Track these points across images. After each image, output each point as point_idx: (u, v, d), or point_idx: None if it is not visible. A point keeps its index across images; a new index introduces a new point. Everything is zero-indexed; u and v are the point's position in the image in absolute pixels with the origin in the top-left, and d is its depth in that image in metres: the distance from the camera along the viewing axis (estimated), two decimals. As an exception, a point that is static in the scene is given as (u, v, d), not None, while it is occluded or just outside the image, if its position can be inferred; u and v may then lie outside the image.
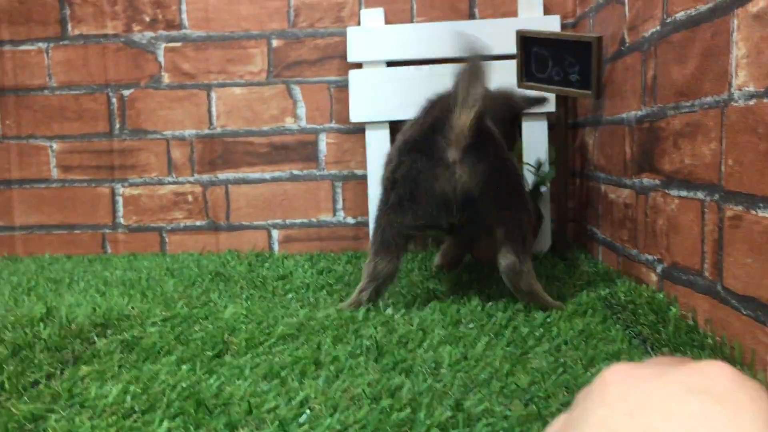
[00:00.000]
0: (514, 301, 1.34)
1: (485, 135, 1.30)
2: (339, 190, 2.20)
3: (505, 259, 1.31)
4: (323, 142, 2.19)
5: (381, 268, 1.33)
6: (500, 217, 1.30)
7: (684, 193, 1.17)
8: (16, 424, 0.83)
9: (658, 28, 1.29)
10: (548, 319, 1.20)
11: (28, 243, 2.27)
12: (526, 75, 1.85)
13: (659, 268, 1.29)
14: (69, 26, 2.21)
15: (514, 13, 2.10)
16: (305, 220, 2.20)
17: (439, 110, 1.33)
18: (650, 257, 1.34)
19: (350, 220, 2.20)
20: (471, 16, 2.13)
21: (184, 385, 0.94)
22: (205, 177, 2.22)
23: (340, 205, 2.20)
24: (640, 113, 1.41)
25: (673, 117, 1.22)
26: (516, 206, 1.32)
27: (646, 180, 1.37)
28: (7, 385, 0.96)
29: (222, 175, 2.21)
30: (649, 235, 1.35)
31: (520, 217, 1.32)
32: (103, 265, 1.95)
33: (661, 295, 1.23)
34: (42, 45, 2.22)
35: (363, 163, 2.17)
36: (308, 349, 1.09)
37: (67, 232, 2.26)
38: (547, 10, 2.09)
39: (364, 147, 2.14)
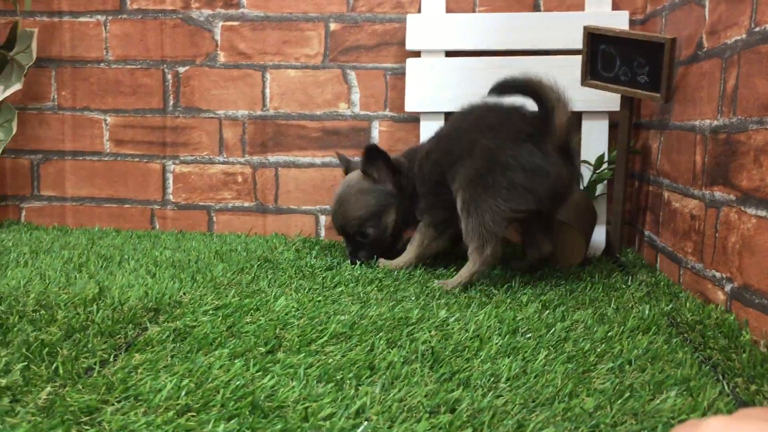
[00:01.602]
0: (571, 310, 1.30)
1: (571, 137, 1.54)
2: (389, 179, 2.16)
3: (547, 247, 1.65)
4: (376, 130, 2.16)
5: (498, 252, 1.52)
6: (557, 209, 1.61)
7: (763, 213, 1.12)
8: (71, 416, 0.82)
9: (744, 36, 1.23)
10: (609, 334, 1.16)
11: (79, 214, 2.28)
12: (591, 73, 1.79)
13: (728, 287, 1.24)
14: (128, 0, 2.20)
15: (580, 7, 2.03)
16: (353, 208, 2.17)
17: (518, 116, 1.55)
18: (718, 274, 1.29)
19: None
20: (536, 7, 2.07)
21: (238, 383, 0.92)
22: (256, 158, 2.21)
23: (389, 194, 2.17)
24: (715, 123, 1.34)
25: (755, 131, 1.15)
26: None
27: (719, 193, 1.31)
28: (61, 370, 0.96)
29: (272, 158, 2.20)
30: (718, 251, 1.29)
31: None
32: (152, 243, 1.95)
33: (732, 318, 1.18)
34: (100, 17, 2.22)
35: (415, 153, 2.13)
36: (362, 351, 1.06)
37: (117, 205, 2.27)
38: (616, 5, 2.02)
39: (417, 137, 2.10)
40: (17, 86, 2.08)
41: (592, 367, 1.02)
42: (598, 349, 1.08)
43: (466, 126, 1.60)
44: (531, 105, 1.53)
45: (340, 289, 1.48)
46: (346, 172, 1.88)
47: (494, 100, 1.57)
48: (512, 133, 1.50)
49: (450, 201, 1.58)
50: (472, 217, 1.50)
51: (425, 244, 1.71)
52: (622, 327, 1.19)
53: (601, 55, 1.76)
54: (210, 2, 2.17)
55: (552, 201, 1.53)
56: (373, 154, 1.70)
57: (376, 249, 1.77)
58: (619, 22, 1.94)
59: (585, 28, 1.76)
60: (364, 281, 1.55)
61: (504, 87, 1.53)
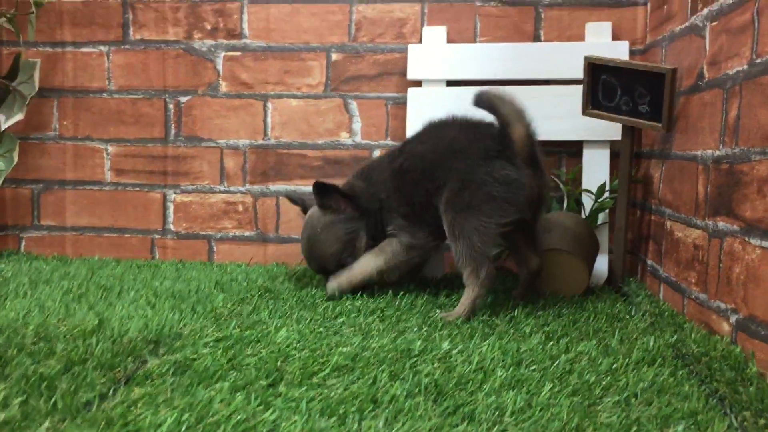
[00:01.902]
0: (575, 341, 1.28)
1: (536, 147, 1.58)
2: (390, 208, 2.16)
3: (535, 260, 1.66)
4: (377, 159, 2.16)
5: (493, 273, 1.55)
6: (536, 220, 1.63)
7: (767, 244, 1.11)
8: (70, 452, 0.81)
9: (745, 67, 1.23)
10: (614, 366, 1.15)
11: (78, 244, 2.28)
12: (592, 102, 1.80)
13: (733, 319, 1.23)
14: (131, 30, 2.22)
15: (581, 37, 2.05)
16: (355, 237, 2.17)
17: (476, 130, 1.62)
18: (723, 305, 1.28)
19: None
20: (536, 38, 2.08)
21: (239, 417, 0.91)
22: (257, 188, 2.21)
23: (390, 223, 2.16)
24: (717, 153, 1.34)
25: (758, 162, 1.15)
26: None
27: (722, 224, 1.30)
28: (60, 405, 0.95)
29: (273, 187, 2.20)
30: (722, 281, 1.29)
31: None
32: (152, 273, 1.94)
33: (738, 349, 1.17)
34: (103, 48, 2.23)
35: (416, 183, 2.13)
36: (364, 384, 1.05)
37: (117, 235, 2.27)
38: (616, 36, 2.03)
39: (418, 166, 2.10)
40: (19, 116, 2.09)
41: (598, 401, 1.01)
42: (603, 382, 1.07)
43: (442, 150, 1.63)
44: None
45: (342, 319, 1.46)
46: (304, 210, 1.87)
47: (462, 116, 1.67)
48: (482, 152, 1.56)
49: (435, 222, 1.63)
50: (460, 241, 1.53)
51: (390, 260, 1.71)
52: (627, 359, 1.18)
53: (602, 84, 1.76)
54: (212, 33, 2.19)
55: (530, 210, 1.57)
56: (323, 189, 1.71)
57: None
58: (619, 52, 1.96)
59: (586, 58, 1.77)
60: (366, 311, 1.54)
61: (475, 101, 1.59)
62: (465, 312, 1.50)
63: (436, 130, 1.71)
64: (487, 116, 1.60)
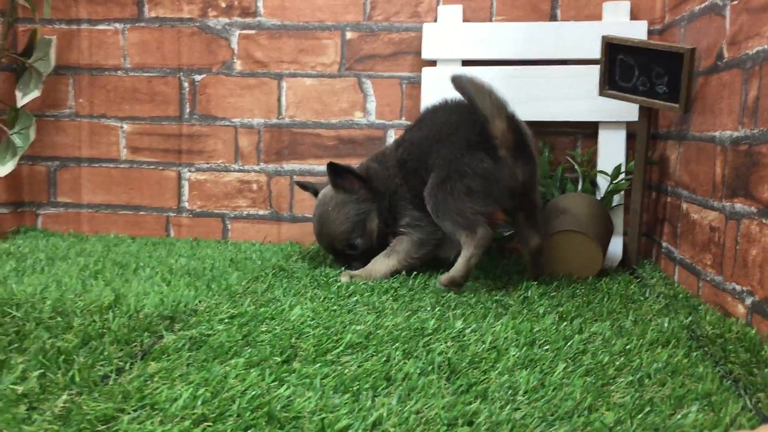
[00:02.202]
0: (589, 322, 1.28)
1: (523, 135, 1.58)
2: (404, 188, 2.16)
3: (535, 239, 1.66)
4: (391, 138, 2.15)
5: (490, 233, 1.57)
6: (533, 202, 1.65)
7: (785, 225, 1.10)
8: (88, 424, 0.82)
9: (766, 47, 1.21)
10: (628, 347, 1.15)
11: (94, 221, 2.29)
12: (609, 83, 1.78)
13: (749, 301, 1.22)
14: (146, 8, 2.21)
15: (598, 17, 2.02)
16: (368, 217, 2.17)
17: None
18: (738, 287, 1.27)
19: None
20: (553, 17, 2.06)
21: (254, 392, 0.92)
22: (271, 166, 2.21)
23: (404, 203, 2.16)
24: (736, 134, 1.33)
25: (778, 143, 1.14)
26: (537, 194, 1.68)
27: (739, 206, 1.29)
28: (77, 378, 0.96)
29: (288, 166, 2.20)
30: (738, 263, 1.28)
31: (540, 203, 1.69)
32: (167, 250, 1.95)
33: (753, 331, 1.16)
34: (118, 25, 2.23)
35: (431, 163, 2.12)
36: (378, 362, 1.06)
37: (133, 212, 2.28)
38: (634, 15, 2.01)
39: (433, 146, 2.09)
40: (35, 93, 2.10)
41: (611, 381, 1.01)
42: (617, 362, 1.07)
43: (434, 136, 1.65)
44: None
45: (356, 298, 1.47)
46: (315, 194, 1.89)
47: (453, 100, 1.68)
48: (465, 142, 1.59)
49: None
50: (447, 218, 1.57)
51: (403, 260, 1.71)
52: (641, 340, 1.18)
53: (619, 65, 1.75)
54: (227, 11, 2.18)
55: (512, 199, 1.60)
56: (338, 169, 1.71)
57: (367, 258, 1.75)
58: (637, 31, 1.93)
59: (603, 38, 1.75)
60: (380, 290, 1.55)
61: (454, 85, 1.59)
62: (460, 271, 1.54)
63: (431, 115, 1.72)
64: None
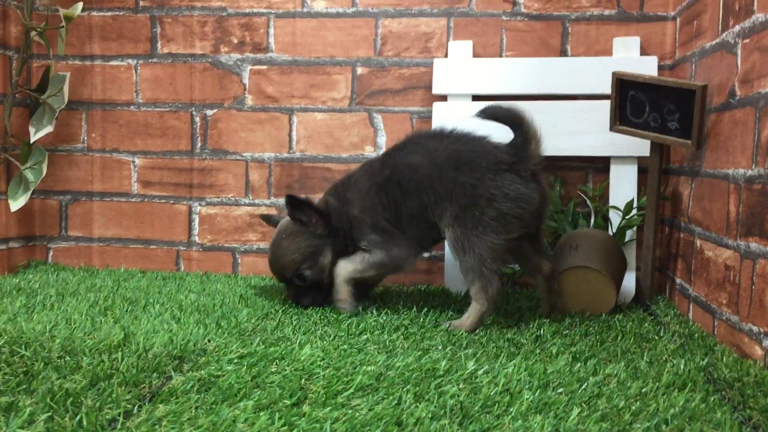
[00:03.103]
0: (603, 363, 1.26)
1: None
2: (415, 223, 2.15)
3: (547, 265, 1.69)
4: (402, 173, 2.15)
5: (501, 288, 1.61)
6: (542, 228, 1.68)
7: (803, 267, 1.08)
8: (95, 472, 0.81)
9: (780, 85, 1.21)
10: (643, 390, 1.13)
11: (105, 255, 2.29)
12: (620, 118, 1.78)
13: (766, 342, 1.20)
14: (159, 44, 2.24)
15: (608, 52, 2.03)
16: (378, 251, 2.16)
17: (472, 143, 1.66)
18: (755, 328, 1.25)
19: (425, 253, 2.15)
20: (563, 53, 2.07)
21: (263, 438, 0.90)
22: (282, 200, 2.21)
23: (414, 237, 2.15)
24: (750, 173, 1.32)
25: (793, 183, 1.13)
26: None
27: (755, 245, 1.28)
28: (85, 422, 0.95)
29: (298, 200, 2.20)
30: (755, 304, 1.26)
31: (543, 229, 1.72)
32: (177, 286, 1.95)
33: (771, 375, 1.14)
34: (131, 61, 2.26)
35: (441, 197, 2.12)
36: (389, 405, 1.04)
37: (143, 246, 2.28)
38: (644, 51, 2.01)
39: (443, 180, 2.09)
40: (48, 129, 2.11)
41: (628, 427, 0.99)
42: (633, 407, 1.05)
43: (443, 162, 1.64)
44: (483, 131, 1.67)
45: (366, 336, 1.46)
46: (274, 226, 1.89)
47: (454, 129, 1.70)
48: (492, 165, 1.59)
49: (422, 235, 1.70)
50: (468, 255, 1.56)
51: (362, 268, 1.72)
52: (657, 383, 1.15)
53: (630, 100, 1.74)
54: (239, 47, 2.20)
55: (537, 221, 1.64)
56: (296, 201, 1.71)
57: (318, 293, 1.77)
58: (647, 67, 1.93)
59: (614, 74, 1.75)
60: (390, 328, 1.53)
61: (489, 113, 1.64)
62: (471, 325, 1.55)
63: (426, 141, 1.71)
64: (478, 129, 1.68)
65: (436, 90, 2.06)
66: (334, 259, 1.74)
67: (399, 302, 1.82)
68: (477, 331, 1.55)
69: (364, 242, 1.72)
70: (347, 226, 1.74)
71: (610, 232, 1.92)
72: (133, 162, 2.27)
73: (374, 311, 1.70)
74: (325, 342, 1.39)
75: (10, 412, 0.98)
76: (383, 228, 1.71)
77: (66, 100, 2.13)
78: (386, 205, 1.70)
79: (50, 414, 0.97)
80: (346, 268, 1.71)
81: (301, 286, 1.76)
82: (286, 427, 0.95)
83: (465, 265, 1.57)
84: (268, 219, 1.95)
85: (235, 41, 2.20)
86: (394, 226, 1.70)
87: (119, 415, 0.98)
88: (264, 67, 2.20)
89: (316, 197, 1.84)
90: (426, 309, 1.73)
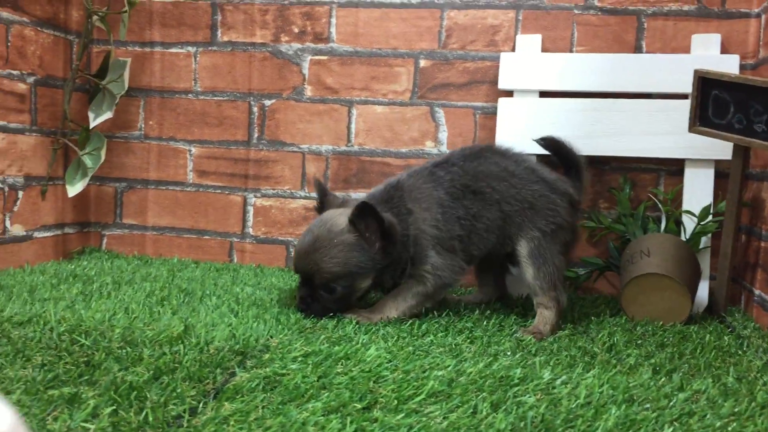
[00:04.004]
0: (688, 377, 1.19)
1: None
2: (474, 222, 2.08)
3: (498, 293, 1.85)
4: (463, 170, 2.08)
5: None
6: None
7: None
8: (164, 473, 0.76)
9: None
10: (737, 409, 1.05)
11: (158, 244, 2.28)
12: (700, 119, 1.69)
13: None
14: (219, 32, 2.21)
15: (686, 50, 1.93)
16: (436, 250, 2.10)
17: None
18: None
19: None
20: (638, 49, 1.98)
21: (336, 444, 0.85)
22: (338, 194, 2.16)
23: (474, 237, 2.08)
24: None
25: None
26: None
27: None
28: (150, 418, 0.91)
29: (355, 194, 2.15)
30: None
31: None
32: (232, 278, 1.91)
33: None
34: (191, 49, 2.23)
35: (503, 196, 2.04)
36: (464, 414, 0.98)
37: (197, 236, 2.25)
38: (724, 49, 1.91)
39: (506, 179, 2.02)
40: (108, 115, 2.10)
41: (726, 449, 0.91)
42: (730, 428, 0.97)
43: (520, 174, 1.64)
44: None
45: (430, 338, 1.40)
46: (321, 204, 1.66)
47: (509, 147, 1.72)
48: (564, 194, 1.65)
49: (485, 246, 1.63)
50: (547, 265, 1.58)
51: (413, 307, 1.57)
52: (752, 402, 1.07)
53: (713, 100, 1.65)
54: (300, 36, 2.16)
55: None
56: (366, 212, 1.47)
57: (334, 307, 1.53)
58: (728, 66, 1.84)
59: (696, 72, 1.66)
60: (453, 331, 1.47)
61: (551, 144, 1.77)
62: (547, 333, 1.52)
63: (493, 154, 1.68)
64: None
65: (502, 85, 1.99)
66: (370, 286, 1.57)
67: (459, 304, 1.76)
68: (545, 338, 1.48)
69: (427, 266, 1.55)
70: (409, 252, 1.54)
71: (683, 238, 1.83)
72: (190, 151, 2.25)
73: (435, 312, 1.64)
74: (389, 343, 1.33)
75: (73, 404, 0.94)
76: (449, 248, 1.57)
77: (126, 86, 2.12)
78: (462, 218, 1.58)
79: (114, 408, 0.93)
80: (399, 309, 1.55)
81: (321, 294, 1.52)
82: (358, 433, 0.90)
83: (540, 273, 1.56)
84: (321, 188, 1.68)
85: (296, 30, 2.16)
86: (464, 243, 1.59)
87: (184, 412, 0.94)
88: (324, 57, 2.15)
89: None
90: (488, 311, 1.66)
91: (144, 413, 0.92)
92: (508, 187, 1.61)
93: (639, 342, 1.45)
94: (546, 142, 1.77)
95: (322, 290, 1.51)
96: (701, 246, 1.82)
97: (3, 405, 0.29)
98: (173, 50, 2.24)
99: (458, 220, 1.58)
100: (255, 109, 2.20)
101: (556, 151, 1.77)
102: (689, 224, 1.83)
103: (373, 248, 1.50)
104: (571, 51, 2.01)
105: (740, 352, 1.39)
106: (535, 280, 1.57)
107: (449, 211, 1.58)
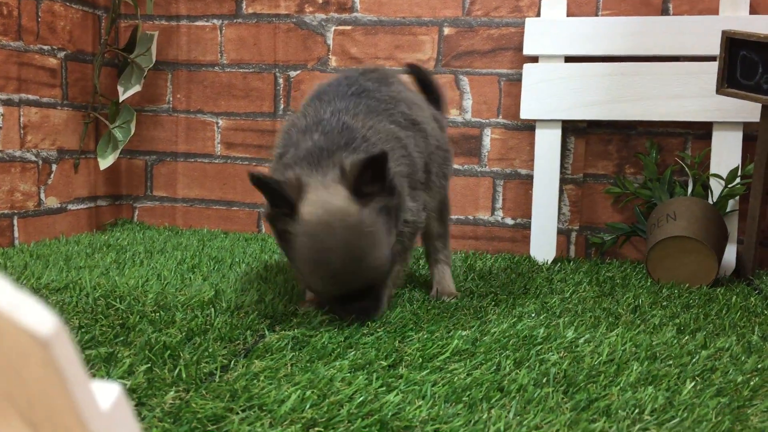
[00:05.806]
0: (712, 336, 1.19)
1: None
2: (500, 189, 2.09)
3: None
4: (488, 137, 2.09)
5: None
6: None
7: None
8: (198, 423, 0.80)
9: None
10: (759, 365, 1.05)
11: (188, 215, 2.32)
12: (728, 80, 1.67)
13: None
14: (243, 4, 2.22)
15: (714, 11, 1.90)
16: (461, 217, 2.12)
17: None
18: None
19: (509, 220, 2.09)
20: (664, 11, 1.95)
21: (362, 398, 0.88)
22: (364, 164, 2.17)
23: (499, 204, 2.10)
24: None
25: None
26: None
27: None
28: (184, 375, 0.94)
29: (380, 164, 2.16)
30: None
31: None
32: (260, 247, 1.95)
33: None
34: (216, 21, 2.25)
35: (528, 162, 2.05)
36: (488, 370, 1.00)
37: (225, 208, 2.29)
38: (753, 10, 1.88)
39: (531, 145, 2.02)
40: (137, 88, 2.13)
41: (747, 403, 0.92)
42: (752, 383, 0.98)
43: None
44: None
45: (455, 302, 1.42)
46: (422, 84, 1.60)
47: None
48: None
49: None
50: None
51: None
52: (776, 358, 1.08)
53: (741, 61, 1.63)
54: (323, 7, 2.16)
55: None
56: (377, 161, 1.14)
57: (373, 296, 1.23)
58: (757, 27, 1.80)
59: (723, 32, 1.64)
60: (479, 294, 1.49)
61: (418, 73, 1.66)
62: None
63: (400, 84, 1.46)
64: None
65: (527, 51, 1.98)
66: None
67: (485, 269, 1.78)
68: (570, 299, 1.48)
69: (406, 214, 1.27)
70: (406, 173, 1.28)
71: (710, 202, 1.82)
72: (217, 123, 2.28)
73: (460, 276, 1.66)
74: (414, 305, 1.36)
75: (110, 362, 0.98)
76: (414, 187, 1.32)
77: (154, 59, 2.15)
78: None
79: (149, 366, 0.96)
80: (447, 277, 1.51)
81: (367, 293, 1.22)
82: (384, 388, 0.93)
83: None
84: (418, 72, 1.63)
85: (320, 1, 2.17)
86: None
87: (216, 369, 0.98)
88: (348, 27, 2.16)
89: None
90: (514, 278, 1.67)
91: (177, 370, 0.95)
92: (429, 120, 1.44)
93: (664, 303, 1.46)
94: (411, 68, 1.64)
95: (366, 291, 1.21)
96: (729, 209, 1.81)
97: (45, 311, 0.31)
98: (199, 23, 2.26)
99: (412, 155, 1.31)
100: (280, 80, 2.22)
101: (421, 80, 1.63)
102: (717, 188, 1.82)
103: (381, 195, 1.17)
104: (596, 15, 1.99)
105: (766, 312, 1.39)
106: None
107: (408, 148, 1.30)
